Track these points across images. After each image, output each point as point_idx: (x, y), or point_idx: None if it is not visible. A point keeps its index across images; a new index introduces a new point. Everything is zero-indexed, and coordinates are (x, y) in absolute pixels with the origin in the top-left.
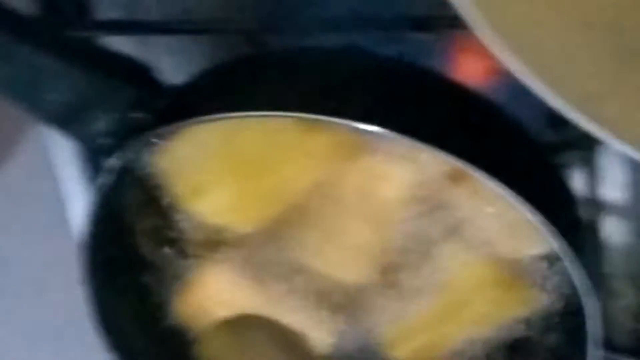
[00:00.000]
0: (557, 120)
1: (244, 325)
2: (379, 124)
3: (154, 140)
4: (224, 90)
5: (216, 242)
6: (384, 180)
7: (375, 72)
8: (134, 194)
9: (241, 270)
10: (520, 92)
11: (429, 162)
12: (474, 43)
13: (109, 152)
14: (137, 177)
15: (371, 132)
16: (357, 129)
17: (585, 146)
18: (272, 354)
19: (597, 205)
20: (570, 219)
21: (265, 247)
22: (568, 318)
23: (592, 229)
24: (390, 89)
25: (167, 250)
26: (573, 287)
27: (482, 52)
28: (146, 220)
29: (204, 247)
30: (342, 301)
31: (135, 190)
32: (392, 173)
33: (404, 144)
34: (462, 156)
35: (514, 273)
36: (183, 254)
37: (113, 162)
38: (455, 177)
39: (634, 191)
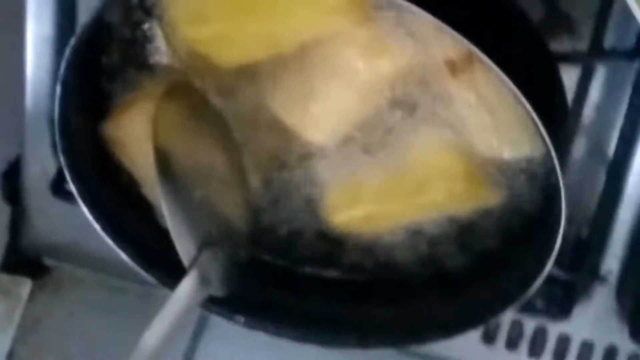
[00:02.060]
0: None
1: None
2: None
3: None
4: None
5: (190, 70)
6: (384, 53)
7: None
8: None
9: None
10: None
11: (434, 45)
12: None
13: None
14: None
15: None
16: None
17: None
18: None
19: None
20: (561, 125)
21: (239, 89)
22: (522, 226)
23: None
24: None
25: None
26: (540, 194)
27: None
28: (126, 32)
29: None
30: (297, 155)
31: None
32: (394, 48)
33: (414, 20)
34: (476, 41)
35: (481, 171)
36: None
37: None
38: (455, 68)
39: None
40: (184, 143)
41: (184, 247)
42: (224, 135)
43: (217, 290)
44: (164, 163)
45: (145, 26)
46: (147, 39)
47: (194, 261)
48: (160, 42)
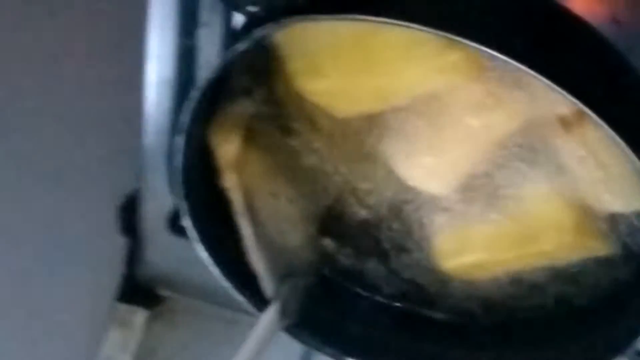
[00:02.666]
0: None
1: None
2: (509, 54)
3: (300, 20)
4: None
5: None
6: (497, 107)
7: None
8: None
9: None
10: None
11: (547, 101)
12: None
13: (255, 21)
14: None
15: (502, 61)
16: (491, 55)
17: None
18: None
19: None
20: None
21: (350, 138)
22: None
23: None
24: (529, 24)
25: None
26: None
27: None
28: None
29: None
30: (408, 203)
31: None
32: (507, 103)
33: (527, 76)
34: (587, 101)
35: (592, 222)
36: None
37: (259, 32)
38: (567, 123)
39: None
40: (263, 181)
41: (267, 279)
42: (295, 171)
43: (292, 319)
44: (248, 199)
45: (262, 77)
46: (262, 87)
47: (277, 293)
48: (274, 91)
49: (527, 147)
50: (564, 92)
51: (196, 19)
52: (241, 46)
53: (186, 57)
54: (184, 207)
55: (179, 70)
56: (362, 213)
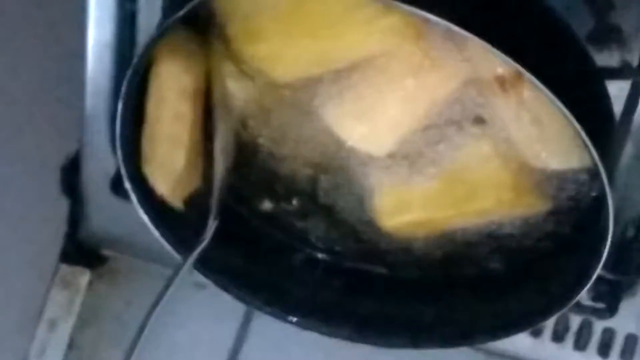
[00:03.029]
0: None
1: None
2: (446, 17)
3: None
4: None
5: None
6: (434, 69)
7: None
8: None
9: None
10: None
11: (484, 62)
12: None
13: None
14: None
15: (440, 24)
16: (428, 19)
17: None
18: None
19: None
20: (607, 137)
21: (293, 101)
22: (570, 232)
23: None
24: None
25: None
26: (588, 201)
27: None
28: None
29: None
30: (347, 163)
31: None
32: (444, 65)
33: (464, 39)
34: (523, 61)
35: (530, 180)
36: None
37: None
38: (504, 83)
39: None
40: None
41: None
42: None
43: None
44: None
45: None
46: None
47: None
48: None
49: (464, 108)
50: (501, 54)
51: None
52: (178, 14)
53: (127, 20)
54: (124, 170)
55: (119, 34)
56: (301, 170)
